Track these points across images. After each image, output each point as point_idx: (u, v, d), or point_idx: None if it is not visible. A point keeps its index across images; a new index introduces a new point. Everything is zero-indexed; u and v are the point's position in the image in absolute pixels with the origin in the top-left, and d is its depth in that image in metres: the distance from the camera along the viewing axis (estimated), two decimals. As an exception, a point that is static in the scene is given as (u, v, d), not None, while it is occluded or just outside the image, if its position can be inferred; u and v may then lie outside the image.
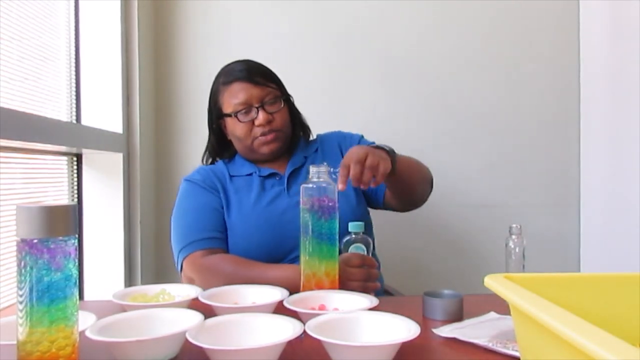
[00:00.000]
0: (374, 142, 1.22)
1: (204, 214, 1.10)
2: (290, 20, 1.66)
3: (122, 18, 1.44)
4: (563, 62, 1.69)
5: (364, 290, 0.90)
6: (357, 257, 0.94)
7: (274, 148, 1.13)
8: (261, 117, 1.09)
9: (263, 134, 1.11)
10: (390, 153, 0.98)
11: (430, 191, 1.16)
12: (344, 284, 0.91)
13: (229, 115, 1.12)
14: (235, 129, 1.13)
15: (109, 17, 1.42)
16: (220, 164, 1.20)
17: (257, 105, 1.10)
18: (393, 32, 1.67)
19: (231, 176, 1.16)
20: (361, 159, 0.89)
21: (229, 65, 1.17)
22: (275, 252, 1.05)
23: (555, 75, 1.69)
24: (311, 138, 1.26)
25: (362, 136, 1.25)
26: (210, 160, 1.23)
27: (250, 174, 1.16)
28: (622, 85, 1.55)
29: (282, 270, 0.98)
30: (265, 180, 1.14)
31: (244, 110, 1.10)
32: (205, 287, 1.03)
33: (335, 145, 1.22)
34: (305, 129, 1.24)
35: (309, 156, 1.19)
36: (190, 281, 1.06)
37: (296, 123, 1.21)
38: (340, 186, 0.89)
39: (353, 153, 0.91)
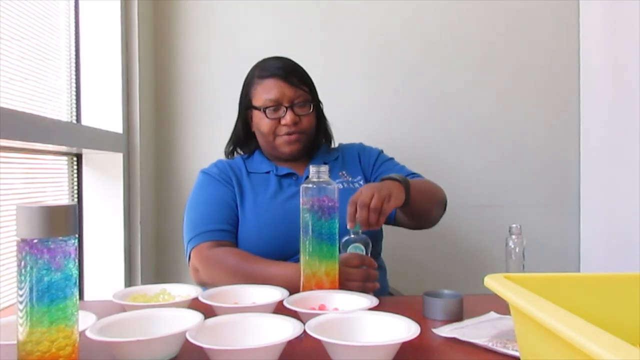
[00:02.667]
0: (392, 158, 1.25)
1: (216, 206, 1.11)
2: (291, 19, 1.66)
3: (122, 18, 1.43)
4: (563, 62, 1.68)
5: (363, 290, 0.90)
6: (356, 257, 0.94)
7: (295, 149, 1.14)
8: (288, 117, 1.11)
9: (287, 134, 1.13)
10: (404, 183, 0.98)
11: (443, 212, 1.17)
12: (343, 284, 0.91)
13: (258, 109, 1.14)
14: (261, 123, 1.15)
15: (109, 17, 1.42)
16: (238, 159, 1.22)
17: (286, 105, 1.12)
18: (394, 32, 1.66)
19: (248, 172, 1.18)
20: (366, 203, 0.90)
21: (267, 59, 1.19)
22: (283, 250, 1.05)
23: (555, 75, 1.69)
24: (333, 146, 1.29)
25: (382, 151, 1.27)
26: (231, 148, 1.25)
27: (268, 172, 1.17)
28: (622, 86, 1.55)
29: (283, 267, 0.99)
30: (282, 179, 1.16)
31: (273, 108, 1.12)
32: (208, 278, 1.04)
33: (356, 156, 1.24)
34: (329, 136, 1.27)
35: (329, 162, 1.20)
36: (195, 271, 1.07)
37: (321, 129, 1.23)
38: (349, 224, 0.92)
39: (361, 195, 0.91)
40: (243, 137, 1.22)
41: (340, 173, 1.19)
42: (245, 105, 1.19)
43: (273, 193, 1.13)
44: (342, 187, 1.15)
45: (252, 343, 0.63)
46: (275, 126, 1.13)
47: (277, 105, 1.12)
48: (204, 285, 1.06)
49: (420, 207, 1.07)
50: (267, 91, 1.13)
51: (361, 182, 1.18)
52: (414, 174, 1.20)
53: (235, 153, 1.25)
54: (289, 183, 1.16)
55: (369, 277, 0.94)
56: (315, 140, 1.22)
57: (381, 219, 0.91)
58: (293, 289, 0.88)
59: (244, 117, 1.20)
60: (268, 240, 1.07)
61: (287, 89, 1.12)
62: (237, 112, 1.23)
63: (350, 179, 1.18)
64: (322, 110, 1.23)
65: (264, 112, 1.12)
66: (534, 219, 1.67)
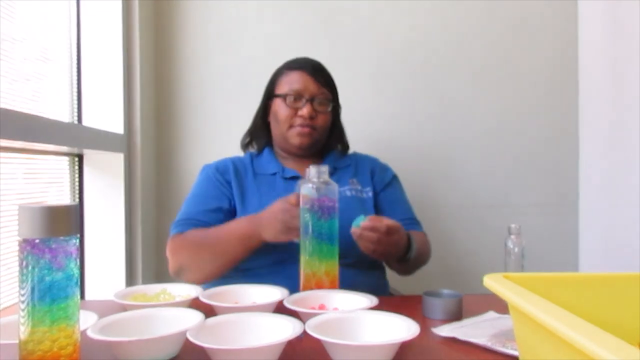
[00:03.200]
0: (404, 191, 1.27)
1: (199, 204, 1.13)
2: (290, 20, 1.66)
3: (123, 19, 1.44)
4: (562, 62, 1.68)
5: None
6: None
7: (305, 142, 1.15)
8: (305, 110, 1.14)
9: (301, 125, 1.15)
10: (408, 257, 1.02)
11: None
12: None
13: (279, 96, 1.17)
14: (279, 110, 1.17)
15: (110, 18, 1.43)
16: (246, 158, 1.24)
17: (307, 98, 1.15)
18: (393, 31, 1.67)
19: (255, 173, 1.19)
20: (382, 242, 0.92)
21: (299, 57, 1.23)
22: (285, 250, 1.03)
23: (555, 76, 1.69)
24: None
25: (396, 175, 1.28)
26: (248, 140, 1.27)
27: (274, 174, 1.18)
28: (621, 85, 1.55)
29: (238, 220, 1.02)
30: (288, 182, 1.17)
31: (294, 97, 1.15)
32: (176, 262, 1.05)
33: (368, 170, 1.25)
34: (344, 144, 1.28)
35: (340, 168, 1.21)
36: (168, 264, 1.07)
37: (335, 133, 1.24)
38: (355, 230, 0.92)
39: (388, 234, 0.92)
40: (259, 127, 1.24)
41: (351, 180, 1.20)
42: (268, 94, 1.21)
43: (278, 195, 1.13)
44: (350, 194, 1.16)
45: (252, 343, 0.63)
46: (292, 116, 1.15)
47: (298, 96, 1.15)
48: (178, 275, 1.06)
49: (408, 268, 1.12)
50: (292, 81, 1.16)
51: (370, 194, 1.19)
52: (415, 220, 1.22)
53: (249, 146, 1.27)
54: (294, 186, 1.16)
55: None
56: (327, 143, 1.23)
57: (368, 253, 0.94)
58: (252, 237, 0.92)
59: (264, 106, 1.23)
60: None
61: (312, 84, 1.15)
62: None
63: (359, 187, 1.19)
64: (339, 117, 1.25)
65: (284, 99, 1.15)
66: (533, 219, 1.67)
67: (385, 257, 0.95)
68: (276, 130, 1.19)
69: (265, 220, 0.96)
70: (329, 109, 1.18)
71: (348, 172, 1.21)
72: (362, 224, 0.91)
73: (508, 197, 1.68)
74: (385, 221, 0.93)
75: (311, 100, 1.15)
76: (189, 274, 1.04)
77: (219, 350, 0.59)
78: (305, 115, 1.13)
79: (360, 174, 1.22)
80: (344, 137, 1.28)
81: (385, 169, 1.28)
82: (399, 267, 1.12)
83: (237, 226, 1.01)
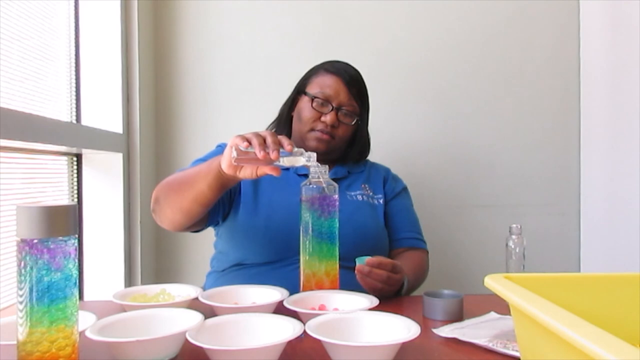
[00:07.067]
0: (412, 204, 1.27)
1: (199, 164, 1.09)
2: (290, 20, 1.65)
3: (122, 18, 1.43)
4: (563, 62, 1.68)
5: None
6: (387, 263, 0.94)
7: (321, 148, 1.14)
8: (329, 117, 1.13)
9: (321, 131, 1.13)
10: (403, 293, 1.01)
11: None
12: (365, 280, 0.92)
13: (307, 95, 1.16)
14: (303, 109, 1.16)
15: (109, 18, 1.42)
16: None
17: (334, 106, 1.14)
18: (393, 31, 1.66)
19: None
20: (391, 280, 0.92)
21: (340, 61, 1.21)
22: (290, 244, 1.02)
23: (555, 75, 1.69)
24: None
25: (406, 187, 1.28)
26: (273, 131, 1.23)
27: (288, 169, 1.16)
28: (622, 85, 1.55)
29: (208, 161, 0.95)
30: (301, 178, 1.15)
31: (321, 101, 1.14)
32: (153, 199, 1.02)
33: (381, 177, 1.25)
34: (364, 156, 1.26)
35: (354, 173, 1.21)
36: (154, 213, 1.04)
37: (355, 145, 1.22)
38: (362, 268, 0.91)
39: (394, 271, 0.93)
40: (284, 119, 1.22)
41: (363, 185, 1.20)
42: (298, 89, 1.20)
43: (289, 191, 1.11)
44: (362, 199, 1.16)
45: (252, 343, 0.63)
46: (315, 119, 1.14)
47: (326, 101, 1.14)
48: (154, 212, 1.03)
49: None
50: (324, 85, 1.15)
51: (381, 201, 1.19)
52: (419, 237, 1.22)
53: None
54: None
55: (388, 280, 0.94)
56: (345, 153, 1.22)
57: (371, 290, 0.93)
58: (211, 164, 0.88)
59: (292, 99, 1.21)
60: (277, 233, 1.06)
61: (343, 93, 1.14)
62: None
63: (371, 193, 1.19)
64: (363, 130, 1.23)
65: (312, 100, 1.14)
66: (534, 219, 1.66)
67: (386, 294, 0.94)
68: (297, 127, 1.18)
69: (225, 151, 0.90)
70: (353, 122, 1.17)
71: (361, 177, 1.21)
72: (367, 260, 0.91)
73: (509, 197, 1.68)
74: (389, 259, 0.94)
75: (338, 108, 1.14)
76: (162, 209, 1.00)
77: (219, 351, 0.59)
78: (328, 123, 1.12)
79: (372, 181, 1.22)
80: (367, 150, 1.27)
81: (396, 179, 1.28)
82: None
83: (208, 163, 0.94)
